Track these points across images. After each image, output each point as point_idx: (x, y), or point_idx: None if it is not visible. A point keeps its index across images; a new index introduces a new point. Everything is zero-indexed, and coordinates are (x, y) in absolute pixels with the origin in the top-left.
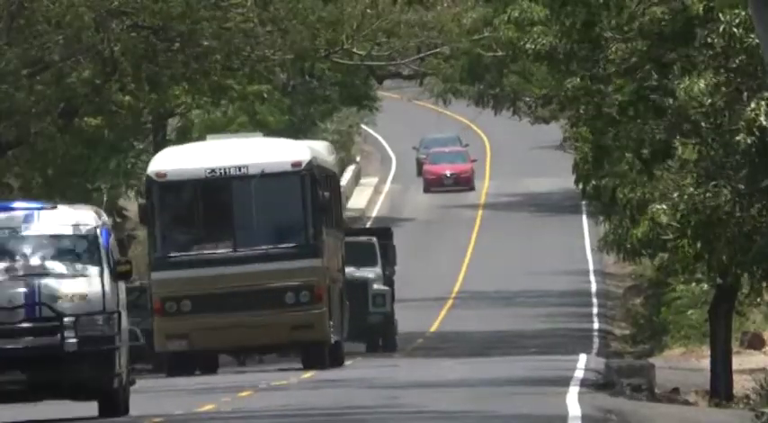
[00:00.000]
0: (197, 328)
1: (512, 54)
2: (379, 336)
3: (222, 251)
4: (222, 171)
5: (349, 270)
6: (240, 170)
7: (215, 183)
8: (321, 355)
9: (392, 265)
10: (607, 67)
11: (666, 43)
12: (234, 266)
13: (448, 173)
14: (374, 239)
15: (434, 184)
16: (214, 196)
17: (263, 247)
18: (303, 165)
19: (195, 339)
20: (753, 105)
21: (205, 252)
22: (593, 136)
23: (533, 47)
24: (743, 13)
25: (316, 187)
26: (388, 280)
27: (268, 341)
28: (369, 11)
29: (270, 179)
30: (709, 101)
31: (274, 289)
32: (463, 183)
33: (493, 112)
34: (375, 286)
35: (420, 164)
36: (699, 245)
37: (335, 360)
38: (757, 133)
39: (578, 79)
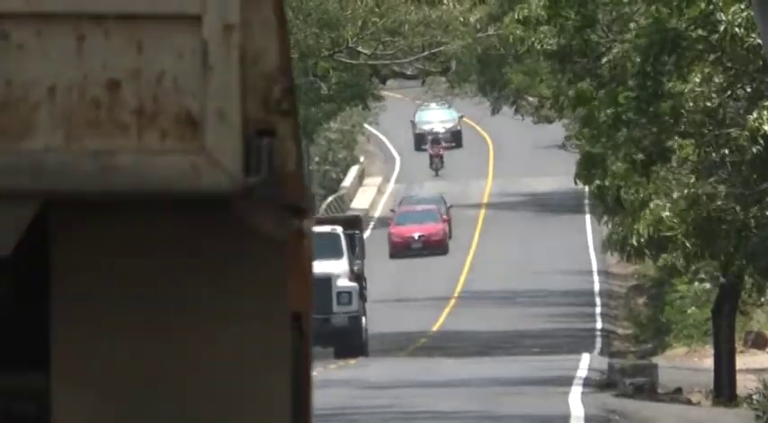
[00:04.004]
0: None
1: (518, 52)
2: (346, 338)
3: None
4: None
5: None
6: None
7: None
8: None
9: (361, 258)
10: (605, 70)
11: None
12: None
13: (416, 235)
14: (339, 229)
15: (401, 249)
16: None
17: None
18: None
19: None
20: (755, 114)
21: None
22: (587, 142)
23: (541, 46)
24: (744, 13)
25: None
26: (355, 275)
27: None
28: (376, 9)
29: None
30: (708, 103)
31: None
32: (434, 246)
33: (496, 111)
34: (339, 283)
35: None
36: (698, 242)
37: None
38: (761, 141)
39: (579, 83)
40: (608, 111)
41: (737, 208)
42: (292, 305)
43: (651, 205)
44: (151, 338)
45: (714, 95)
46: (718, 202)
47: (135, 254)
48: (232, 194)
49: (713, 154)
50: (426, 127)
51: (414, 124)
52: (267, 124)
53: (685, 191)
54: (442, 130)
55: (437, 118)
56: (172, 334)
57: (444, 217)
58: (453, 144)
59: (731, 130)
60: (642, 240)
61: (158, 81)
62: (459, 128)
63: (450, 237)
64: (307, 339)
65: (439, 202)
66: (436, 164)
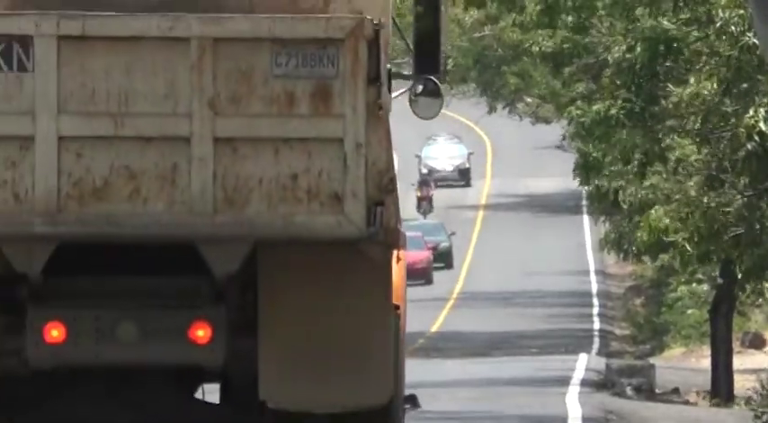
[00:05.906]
0: None
1: (515, 54)
2: None
3: None
4: None
5: None
6: None
7: None
8: None
9: None
10: (606, 71)
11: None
12: None
13: None
14: None
15: None
16: None
17: None
18: None
19: None
20: (751, 112)
21: None
22: (584, 146)
23: (538, 49)
24: (741, 12)
25: None
26: None
27: None
28: None
29: None
30: (708, 99)
31: None
32: (418, 275)
33: (496, 111)
34: None
35: None
36: (703, 246)
37: None
38: (757, 139)
39: (577, 84)
40: (601, 110)
41: (745, 210)
42: (392, 299)
43: (652, 211)
44: (316, 320)
45: (712, 98)
46: (728, 212)
47: (306, 270)
48: (359, 238)
49: (711, 152)
50: (432, 163)
51: (419, 159)
52: (380, 199)
53: (688, 199)
54: (450, 168)
55: (445, 153)
56: (331, 316)
57: (429, 245)
58: (462, 183)
59: (731, 132)
60: (643, 246)
61: (319, 174)
62: (468, 165)
63: (452, 266)
64: (402, 320)
65: (439, 229)
66: (424, 207)
